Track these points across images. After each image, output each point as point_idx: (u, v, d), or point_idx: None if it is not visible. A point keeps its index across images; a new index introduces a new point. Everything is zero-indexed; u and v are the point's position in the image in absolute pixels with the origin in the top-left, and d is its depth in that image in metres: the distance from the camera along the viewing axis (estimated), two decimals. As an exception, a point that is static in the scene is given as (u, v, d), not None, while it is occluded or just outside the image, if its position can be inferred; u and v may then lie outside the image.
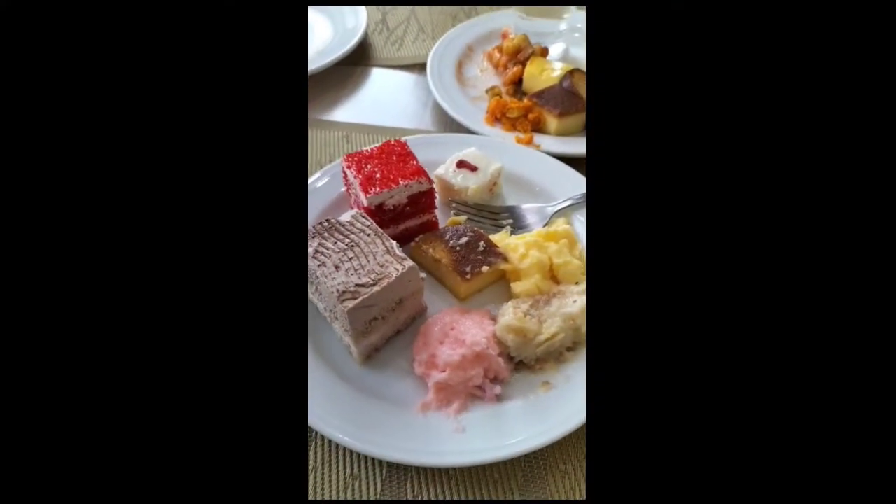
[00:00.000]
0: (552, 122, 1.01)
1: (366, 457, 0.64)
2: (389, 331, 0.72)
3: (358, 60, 1.30)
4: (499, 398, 0.67)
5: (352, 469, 0.64)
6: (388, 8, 1.50)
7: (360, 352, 0.69)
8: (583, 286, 0.74)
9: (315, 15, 1.42)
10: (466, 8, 1.50)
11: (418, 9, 1.49)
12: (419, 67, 1.27)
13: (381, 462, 0.64)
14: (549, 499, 0.62)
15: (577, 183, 0.91)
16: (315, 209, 0.87)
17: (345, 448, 0.65)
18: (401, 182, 0.76)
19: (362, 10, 1.37)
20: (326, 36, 1.35)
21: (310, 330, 0.73)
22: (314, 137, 1.09)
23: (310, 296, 0.74)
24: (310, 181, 0.90)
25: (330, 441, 0.65)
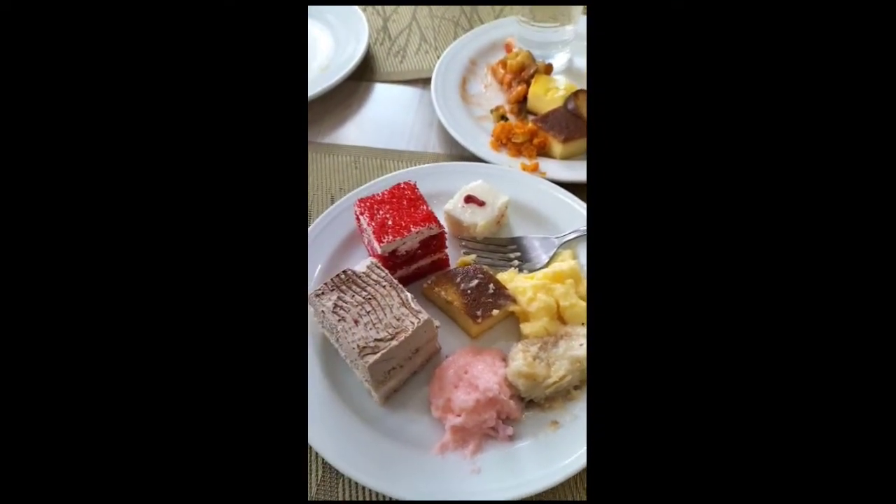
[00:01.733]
0: (557, 147, 1.03)
1: (389, 498, 0.70)
2: (407, 374, 0.76)
3: (361, 76, 1.30)
4: (511, 438, 0.72)
5: (376, 507, 0.70)
6: (389, 12, 1.49)
7: (380, 396, 0.74)
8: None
9: (314, 27, 1.40)
10: (468, 9, 1.49)
11: (419, 13, 1.48)
12: (423, 82, 1.27)
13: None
14: (550, 499, 0.68)
15: (581, 213, 0.93)
16: (330, 246, 0.90)
17: (369, 490, 0.70)
18: (413, 229, 0.79)
19: (363, 20, 1.36)
20: (328, 49, 1.35)
21: (332, 373, 0.77)
22: (322, 163, 1.11)
23: (331, 341, 0.78)
24: (323, 216, 0.93)
25: (354, 482, 0.71)
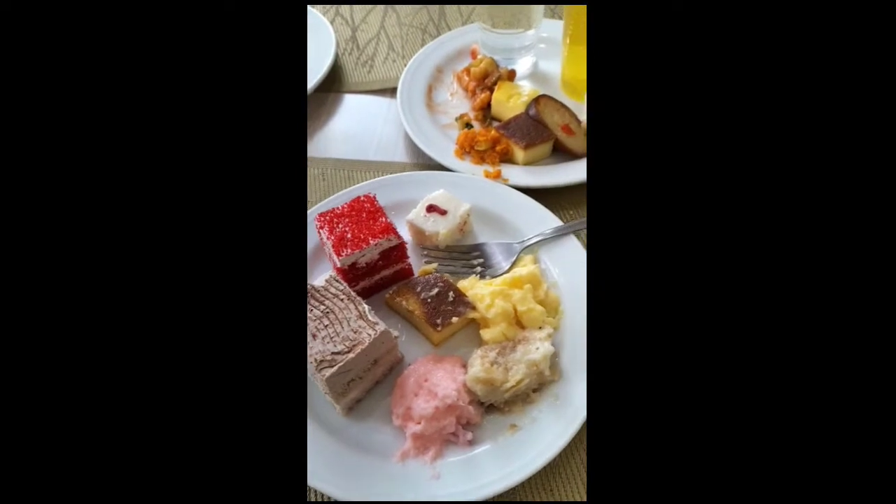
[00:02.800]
0: (519, 153, 1.05)
1: (353, 504, 0.71)
2: (369, 385, 0.78)
3: (329, 87, 1.32)
4: (471, 443, 0.74)
5: (341, 515, 0.71)
6: (358, 21, 1.50)
7: (342, 407, 0.75)
8: (546, 331, 0.79)
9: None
10: (436, 17, 1.50)
11: (387, 21, 1.49)
12: (390, 91, 1.29)
13: (366, 509, 0.71)
14: (550, 500, 0.69)
15: (542, 218, 0.95)
16: (294, 260, 0.92)
17: (331, 498, 0.72)
18: (371, 241, 0.81)
19: (330, 31, 1.37)
20: (297, 62, 1.36)
21: (296, 386, 0.79)
22: (291, 177, 1.12)
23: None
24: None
25: (317, 492, 0.72)
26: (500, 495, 0.71)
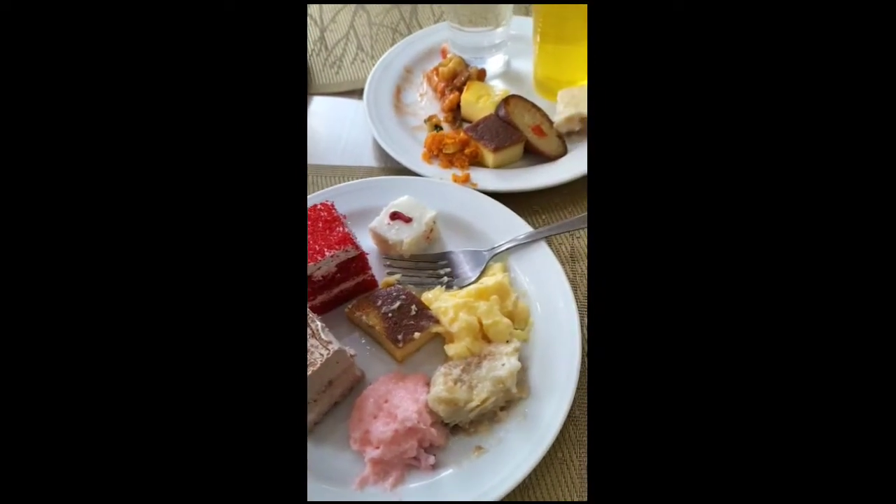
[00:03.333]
0: (489, 156, 1.00)
1: (308, 536, 0.67)
2: (325, 407, 0.73)
3: (295, 90, 1.27)
4: (434, 467, 0.69)
5: (296, 548, 0.67)
6: (328, 21, 1.45)
7: (298, 431, 0.71)
8: (512, 345, 0.75)
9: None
10: (407, 16, 1.45)
11: (357, 21, 1.44)
12: (358, 93, 1.24)
13: (322, 541, 0.67)
14: (550, 500, 0.66)
15: (512, 224, 0.91)
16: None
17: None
18: (327, 253, 0.76)
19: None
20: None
21: (249, 409, 0.74)
22: (252, 184, 1.07)
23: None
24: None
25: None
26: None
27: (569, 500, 0.69)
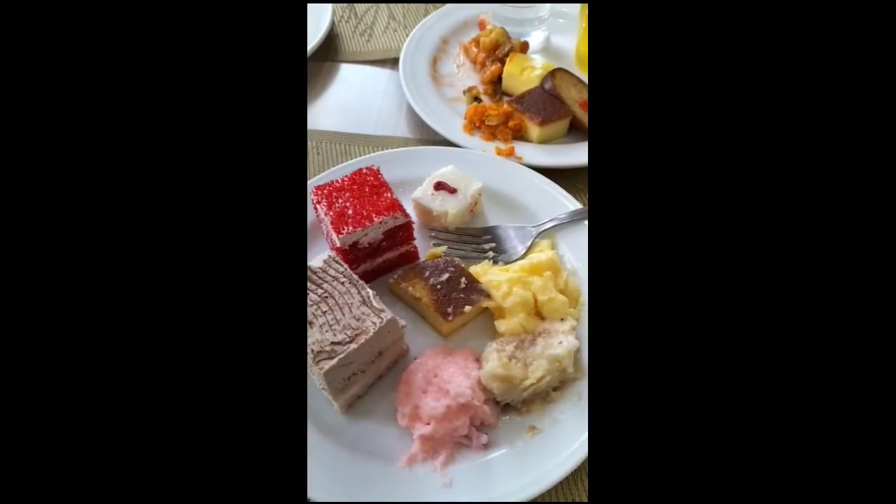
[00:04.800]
0: (534, 130, 0.96)
1: (352, 515, 0.63)
2: (371, 379, 0.69)
3: (325, 56, 1.21)
4: (486, 446, 0.66)
5: (338, 527, 0.63)
6: (355, -12, 1.40)
7: (341, 404, 0.67)
8: (569, 323, 0.72)
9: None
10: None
11: (388, -8, 1.39)
12: (391, 62, 1.19)
13: (367, 520, 0.63)
14: (551, 500, 0.63)
15: (560, 200, 0.87)
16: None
17: (330, 507, 0.63)
18: (375, 219, 0.72)
19: (327, -5, 1.27)
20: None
21: (287, 380, 0.70)
22: (282, 149, 1.02)
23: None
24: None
25: (312, 501, 0.64)
26: None
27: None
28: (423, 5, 1.34)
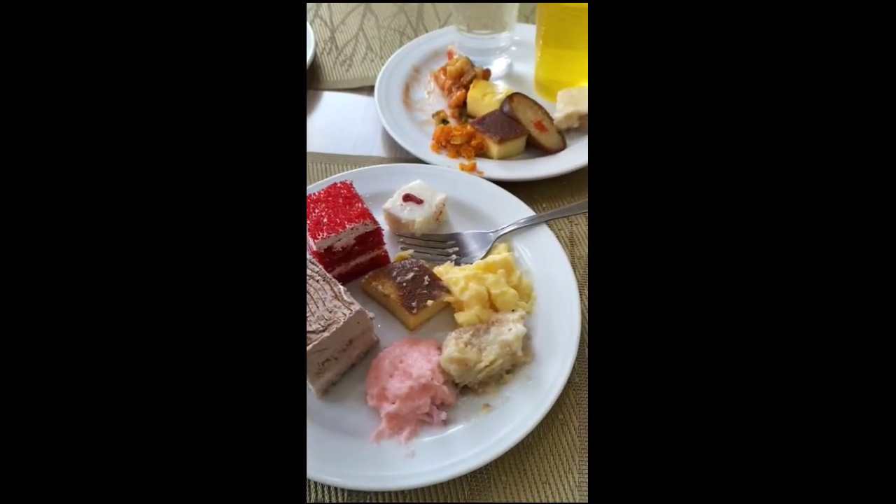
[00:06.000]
0: (493, 147, 1.07)
1: (326, 486, 0.71)
2: (344, 367, 0.78)
3: (308, 84, 1.33)
4: (445, 423, 0.74)
5: (315, 496, 0.71)
6: (337, 23, 1.53)
7: (317, 388, 0.75)
8: (518, 313, 0.81)
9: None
10: (413, 19, 1.53)
11: (366, 24, 1.52)
12: (368, 89, 1.31)
13: (341, 490, 0.71)
14: (552, 501, 0.71)
15: (516, 208, 0.97)
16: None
17: (308, 479, 0.72)
18: (347, 226, 0.82)
19: (310, 31, 1.39)
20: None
21: (270, 369, 0.78)
22: (268, 169, 1.13)
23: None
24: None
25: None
26: (479, 479, 0.72)
27: (568, 457, 0.75)
28: (398, 37, 1.47)
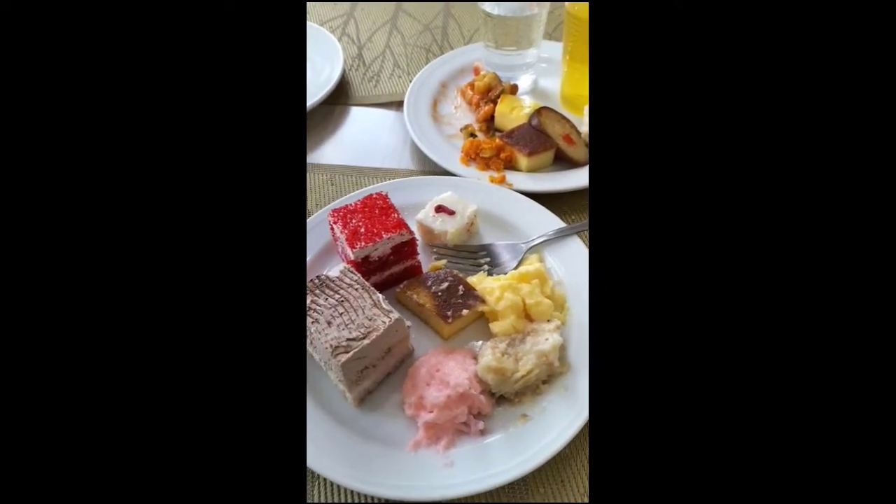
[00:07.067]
0: (522, 160, 1.09)
1: (364, 495, 0.71)
2: (380, 375, 0.78)
3: (337, 100, 1.36)
4: (482, 432, 0.74)
5: (352, 506, 0.71)
6: (364, 40, 1.56)
7: (355, 397, 0.76)
8: (554, 323, 0.81)
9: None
10: (438, 37, 1.57)
11: (393, 41, 1.55)
12: (397, 104, 1.34)
13: (377, 499, 0.71)
14: (551, 500, 0.70)
15: (547, 220, 0.98)
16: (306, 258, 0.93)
17: (345, 488, 0.72)
18: (384, 235, 0.83)
19: (338, 48, 1.43)
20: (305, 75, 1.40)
21: (308, 379, 0.79)
22: (299, 181, 1.15)
23: (308, 348, 0.81)
24: (298, 230, 0.96)
25: (330, 482, 0.72)
26: (517, 489, 0.71)
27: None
28: (424, 54, 1.50)
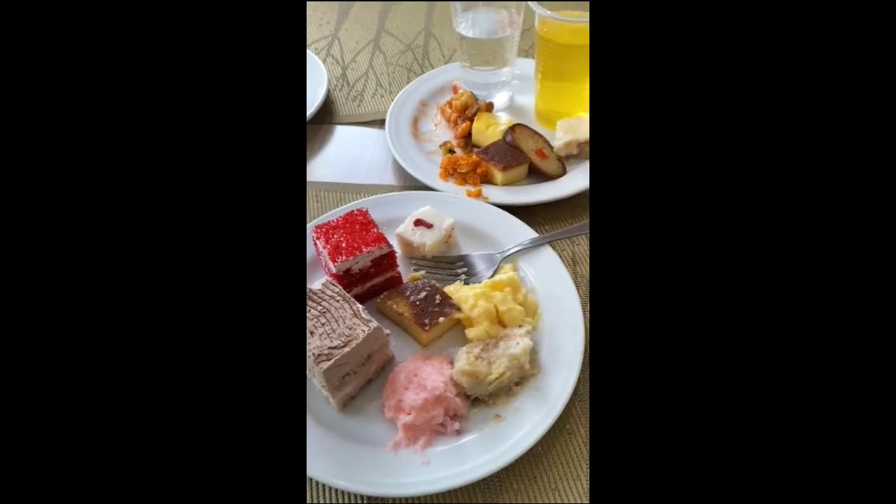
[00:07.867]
0: (498, 175, 1.15)
1: (347, 492, 0.75)
2: (362, 381, 0.83)
3: (322, 119, 1.42)
4: (458, 432, 0.79)
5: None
6: (348, 61, 1.63)
7: (337, 402, 0.81)
8: (525, 328, 0.87)
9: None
10: (419, 56, 1.63)
11: (375, 61, 1.62)
12: (379, 123, 1.40)
13: (360, 496, 0.75)
14: (551, 501, 0.74)
15: (521, 231, 1.04)
16: (291, 271, 0.98)
17: (330, 487, 0.76)
18: (364, 249, 0.88)
19: (322, 69, 1.49)
20: (291, 96, 1.46)
21: (293, 385, 0.84)
22: (286, 198, 1.20)
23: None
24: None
25: (315, 481, 0.76)
26: (491, 485, 0.76)
27: (575, 465, 0.79)
28: (405, 74, 1.56)
